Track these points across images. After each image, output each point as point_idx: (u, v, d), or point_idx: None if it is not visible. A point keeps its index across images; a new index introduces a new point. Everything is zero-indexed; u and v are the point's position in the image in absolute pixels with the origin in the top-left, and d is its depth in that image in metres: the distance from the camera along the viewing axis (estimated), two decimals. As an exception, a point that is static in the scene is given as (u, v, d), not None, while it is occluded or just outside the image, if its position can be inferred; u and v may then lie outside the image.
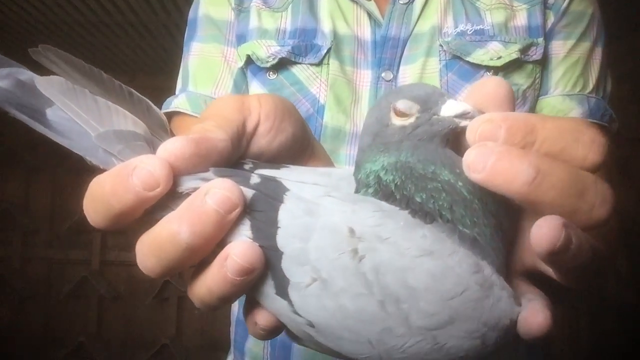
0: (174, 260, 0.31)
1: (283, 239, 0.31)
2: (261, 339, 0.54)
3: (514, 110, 0.32)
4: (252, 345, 0.78)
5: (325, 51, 0.76)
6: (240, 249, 0.30)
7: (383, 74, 0.75)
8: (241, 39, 0.79)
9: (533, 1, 0.77)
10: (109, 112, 0.36)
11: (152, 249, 0.31)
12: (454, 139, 0.33)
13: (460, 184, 0.31)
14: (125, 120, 0.35)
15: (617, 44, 1.36)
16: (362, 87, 0.76)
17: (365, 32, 0.77)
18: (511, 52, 0.73)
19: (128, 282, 2.95)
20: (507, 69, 0.73)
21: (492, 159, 0.27)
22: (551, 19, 0.78)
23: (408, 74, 0.75)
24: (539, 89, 0.76)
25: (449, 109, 0.32)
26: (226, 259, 0.30)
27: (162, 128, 0.35)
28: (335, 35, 0.77)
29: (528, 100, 0.74)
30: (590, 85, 0.76)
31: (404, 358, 0.31)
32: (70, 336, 2.79)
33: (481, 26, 0.75)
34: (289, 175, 0.34)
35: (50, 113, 0.35)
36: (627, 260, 2.01)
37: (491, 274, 0.30)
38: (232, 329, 0.83)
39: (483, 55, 0.73)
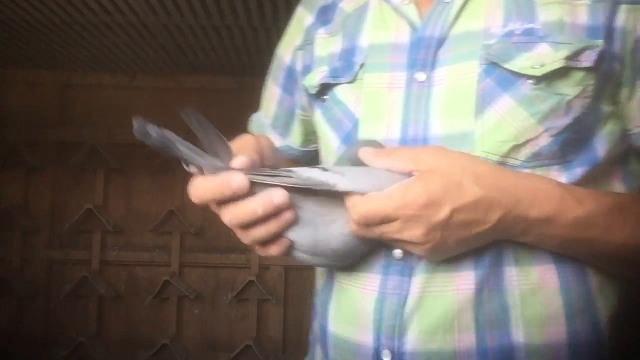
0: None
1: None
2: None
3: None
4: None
5: (357, 68, 0.78)
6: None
7: (415, 75, 0.72)
8: (306, 70, 0.86)
9: None
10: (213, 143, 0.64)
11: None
12: None
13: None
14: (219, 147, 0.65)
15: None
16: (396, 91, 0.74)
17: (402, 35, 0.76)
18: (556, 59, 0.65)
19: (128, 282, 2.95)
20: (549, 78, 0.66)
21: None
22: (630, 17, 0.67)
23: (444, 76, 0.71)
24: (592, 98, 0.67)
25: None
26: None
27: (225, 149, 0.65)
28: (372, 47, 0.78)
29: (573, 111, 0.66)
30: None
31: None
32: (70, 336, 2.79)
33: (532, 25, 0.68)
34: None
35: (180, 146, 0.61)
36: None
37: None
38: (317, 323, 0.82)
39: (526, 61, 0.66)
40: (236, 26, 2.14)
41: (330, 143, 0.80)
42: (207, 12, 2.00)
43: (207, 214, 3.06)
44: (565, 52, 0.65)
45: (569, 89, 0.66)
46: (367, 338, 0.69)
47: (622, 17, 0.67)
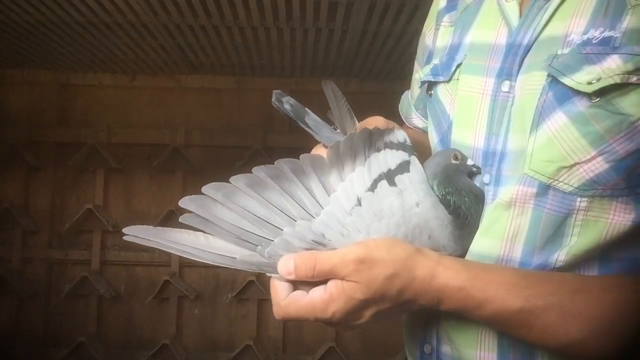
0: None
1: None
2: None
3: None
4: None
5: (454, 67, 0.75)
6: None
7: (502, 84, 0.68)
8: (428, 59, 0.85)
9: None
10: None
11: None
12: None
13: (467, 199, 0.68)
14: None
15: None
16: (485, 98, 0.70)
17: (501, 37, 0.71)
18: (614, 74, 0.58)
19: (128, 282, 2.95)
20: (604, 95, 0.58)
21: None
22: None
23: (520, 86, 0.66)
24: None
25: (470, 162, 0.71)
26: None
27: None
28: (472, 46, 0.74)
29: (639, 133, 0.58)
30: None
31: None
32: (70, 336, 2.79)
33: (612, 32, 0.60)
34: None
35: (307, 118, 0.72)
36: None
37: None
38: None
39: (586, 75, 0.59)
40: (236, 26, 2.14)
41: (432, 139, 0.79)
42: (207, 12, 2.00)
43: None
44: (629, 65, 0.57)
45: (633, 108, 0.57)
46: None
47: None
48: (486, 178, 0.69)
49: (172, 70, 2.88)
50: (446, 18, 0.83)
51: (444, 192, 0.68)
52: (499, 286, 0.59)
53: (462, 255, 0.67)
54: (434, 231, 0.65)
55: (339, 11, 1.98)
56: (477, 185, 0.69)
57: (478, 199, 0.68)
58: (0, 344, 2.75)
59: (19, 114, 2.95)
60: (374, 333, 2.86)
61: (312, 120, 0.71)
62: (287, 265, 0.60)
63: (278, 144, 2.89)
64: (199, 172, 2.93)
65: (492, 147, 0.69)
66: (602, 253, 0.63)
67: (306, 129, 0.72)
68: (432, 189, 0.69)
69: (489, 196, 0.68)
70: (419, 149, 0.76)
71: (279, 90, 0.72)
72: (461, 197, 0.67)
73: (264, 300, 2.87)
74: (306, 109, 0.72)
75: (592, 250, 0.62)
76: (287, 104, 0.71)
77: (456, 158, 0.70)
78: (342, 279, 0.59)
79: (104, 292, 2.80)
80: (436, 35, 0.84)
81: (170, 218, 2.87)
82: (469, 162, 0.70)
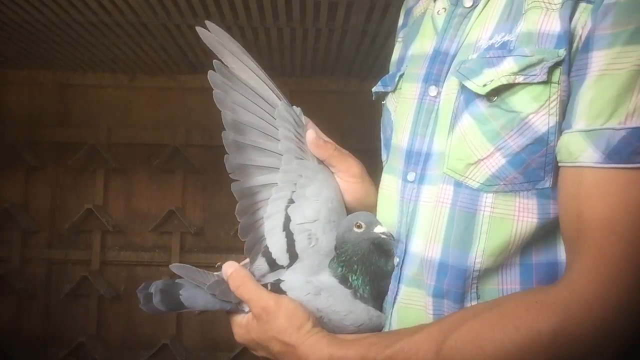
0: None
1: None
2: None
3: None
4: None
5: (398, 77, 0.81)
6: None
7: (429, 89, 0.73)
8: (385, 73, 0.90)
9: None
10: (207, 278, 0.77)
11: None
12: None
13: (358, 269, 0.76)
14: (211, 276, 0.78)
15: None
16: (413, 102, 0.75)
17: (431, 46, 0.75)
18: (502, 75, 0.62)
19: (128, 282, 2.95)
20: (499, 94, 0.63)
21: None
22: (588, 23, 0.59)
23: (444, 92, 0.70)
24: (558, 115, 0.61)
25: (379, 229, 0.74)
26: None
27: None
28: (412, 56, 0.80)
29: (531, 129, 0.61)
30: (625, 112, 0.56)
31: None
32: (70, 336, 2.79)
33: (509, 36, 0.64)
34: None
35: (183, 295, 0.76)
36: None
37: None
38: None
39: (483, 78, 0.64)
40: (236, 26, 2.14)
41: (382, 146, 0.86)
42: (207, 12, 2.00)
43: (207, 214, 3.07)
44: (513, 67, 0.62)
45: (523, 105, 0.61)
46: None
47: (577, 17, 0.60)
48: (411, 176, 0.74)
49: (172, 70, 2.88)
50: (400, 34, 0.89)
51: (338, 268, 0.76)
52: (357, 348, 0.66)
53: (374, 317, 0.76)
54: (336, 308, 0.74)
55: (339, 11, 1.98)
56: (384, 238, 0.74)
57: (370, 267, 0.75)
58: (0, 344, 2.75)
59: (19, 114, 2.94)
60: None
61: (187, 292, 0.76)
62: (227, 270, 0.76)
63: (278, 144, 2.89)
64: (199, 172, 2.93)
65: (416, 147, 0.73)
66: (521, 257, 0.65)
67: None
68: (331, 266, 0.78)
69: (412, 194, 0.73)
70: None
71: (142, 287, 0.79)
72: (352, 269, 0.75)
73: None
74: (177, 282, 0.77)
75: (505, 251, 0.64)
76: (157, 295, 0.77)
77: (359, 227, 0.75)
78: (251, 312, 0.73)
79: (104, 292, 2.80)
80: (394, 51, 0.90)
81: (171, 218, 2.87)
82: (378, 229, 0.74)
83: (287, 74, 2.89)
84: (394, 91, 0.82)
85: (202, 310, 0.75)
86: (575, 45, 0.61)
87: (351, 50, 2.44)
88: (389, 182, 0.79)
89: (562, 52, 0.60)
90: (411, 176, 0.73)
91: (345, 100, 2.92)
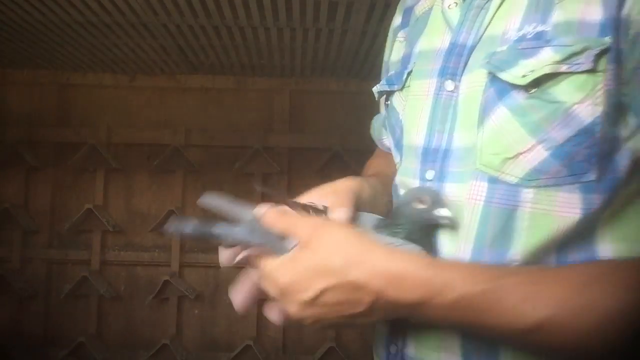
0: None
1: None
2: None
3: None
4: None
5: (406, 75, 0.78)
6: None
7: (445, 83, 0.70)
8: (386, 73, 0.89)
9: None
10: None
11: None
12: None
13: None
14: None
15: None
16: (428, 98, 0.73)
17: (446, 41, 0.73)
18: (544, 65, 0.60)
19: (128, 282, 2.95)
20: (539, 85, 0.61)
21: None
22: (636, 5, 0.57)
23: (465, 85, 0.69)
24: (604, 105, 0.59)
25: (443, 211, 0.66)
26: None
27: None
28: (420, 53, 0.78)
29: (575, 121, 0.59)
30: None
31: None
32: (70, 336, 2.79)
33: (543, 27, 0.62)
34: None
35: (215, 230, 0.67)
36: None
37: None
38: None
39: (520, 69, 0.61)
40: (236, 26, 2.14)
41: (390, 147, 0.84)
42: (207, 12, 2.00)
43: (207, 214, 3.05)
44: (555, 56, 0.60)
45: (567, 95, 0.59)
46: None
47: (629, 4, 0.58)
48: (429, 174, 0.71)
49: (172, 70, 2.88)
50: (400, 34, 0.87)
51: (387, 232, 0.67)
52: (458, 271, 0.60)
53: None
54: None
55: (339, 11, 1.98)
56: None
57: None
58: (0, 344, 2.75)
59: (19, 114, 2.95)
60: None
61: (219, 230, 0.66)
62: (261, 210, 0.66)
63: (278, 144, 2.88)
64: (199, 172, 2.93)
65: (434, 144, 0.71)
66: (558, 252, 0.62)
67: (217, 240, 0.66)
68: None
69: None
70: (385, 180, 0.82)
71: (175, 220, 0.67)
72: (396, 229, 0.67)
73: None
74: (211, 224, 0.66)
75: (546, 247, 0.62)
76: (188, 228, 0.65)
77: (422, 202, 0.66)
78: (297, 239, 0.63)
79: (104, 292, 2.80)
80: (392, 50, 0.89)
81: (170, 218, 2.87)
82: (442, 211, 0.65)
83: (287, 74, 2.88)
84: (401, 89, 0.79)
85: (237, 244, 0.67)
86: (632, 32, 0.58)
87: (351, 50, 2.44)
88: (405, 184, 0.76)
89: (607, 40, 0.58)
90: (430, 174, 0.70)
91: (345, 100, 2.91)
